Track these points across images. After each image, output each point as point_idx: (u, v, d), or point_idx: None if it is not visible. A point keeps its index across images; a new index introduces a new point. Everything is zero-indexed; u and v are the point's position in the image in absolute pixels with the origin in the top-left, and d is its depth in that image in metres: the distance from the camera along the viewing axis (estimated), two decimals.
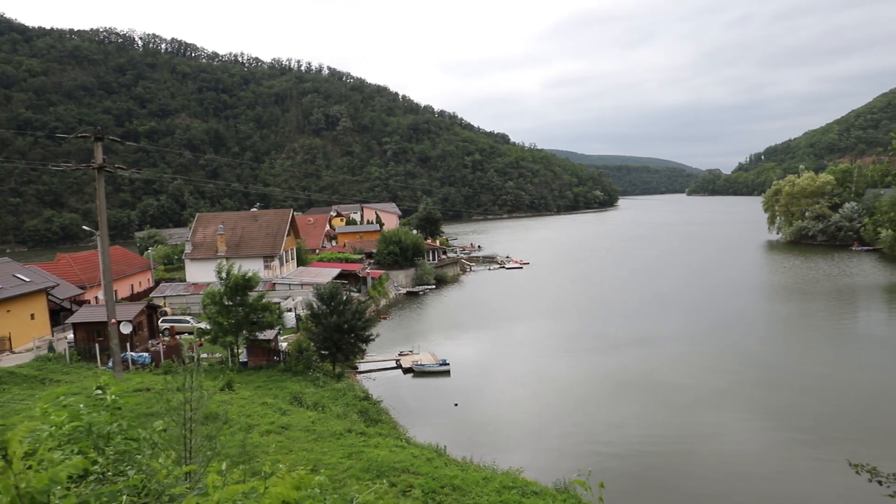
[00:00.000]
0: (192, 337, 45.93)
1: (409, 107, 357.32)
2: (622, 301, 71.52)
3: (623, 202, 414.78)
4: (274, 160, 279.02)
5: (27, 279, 45.88)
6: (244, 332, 38.41)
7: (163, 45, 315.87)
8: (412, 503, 17.65)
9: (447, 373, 44.65)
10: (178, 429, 4.90)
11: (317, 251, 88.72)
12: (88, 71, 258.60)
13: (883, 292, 73.49)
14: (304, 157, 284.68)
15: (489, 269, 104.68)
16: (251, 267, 48.75)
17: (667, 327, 57.26)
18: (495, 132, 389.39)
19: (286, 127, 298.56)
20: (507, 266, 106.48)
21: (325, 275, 63.76)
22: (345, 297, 41.31)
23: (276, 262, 64.79)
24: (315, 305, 40.77)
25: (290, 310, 53.31)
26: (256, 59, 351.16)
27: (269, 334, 39.76)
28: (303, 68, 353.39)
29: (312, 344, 40.50)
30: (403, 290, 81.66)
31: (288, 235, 68.05)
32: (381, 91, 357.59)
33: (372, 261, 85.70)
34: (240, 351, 39.61)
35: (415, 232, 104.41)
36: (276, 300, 52.20)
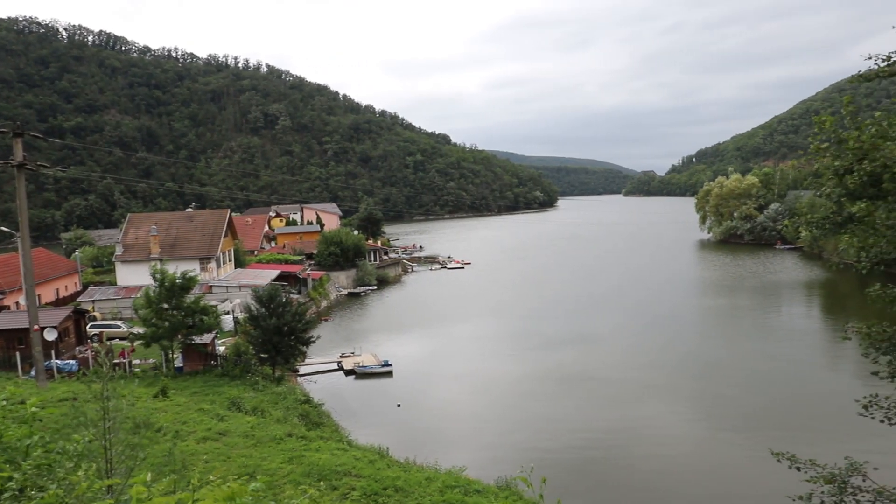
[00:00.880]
0: (123, 342, 44.17)
1: (350, 106, 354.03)
2: (563, 300, 72.93)
3: (562, 203, 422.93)
4: (210, 159, 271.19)
5: None
6: (180, 336, 37.20)
7: (89, 38, 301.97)
8: None
9: (389, 374, 44.48)
10: (97, 441, 4.65)
11: (255, 252, 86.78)
12: (6, 62, 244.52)
13: (802, 288, 77.64)
14: (241, 156, 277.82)
15: (431, 270, 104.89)
16: (187, 269, 47.29)
17: (605, 325, 58.74)
18: (437, 133, 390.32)
19: (223, 125, 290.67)
20: (448, 266, 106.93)
21: (264, 276, 62.47)
22: (284, 299, 40.59)
23: (212, 264, 63.02)
24: (254, 308, 39.89)
25: (227, 312, 51.96)
26: (191, 54, 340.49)
27: (205, 338, 38.64)
28: (240, 65, 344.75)
29: (251, 347, 39.61)
30: (345, 292, 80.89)
31: (225, 236, 66.31)
32: (322, 90, 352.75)
33: (312, 262, 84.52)
34: (175, 356, 38.33)
35: (356, 232, 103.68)
36: (213, 303, 50.83)
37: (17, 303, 52.16)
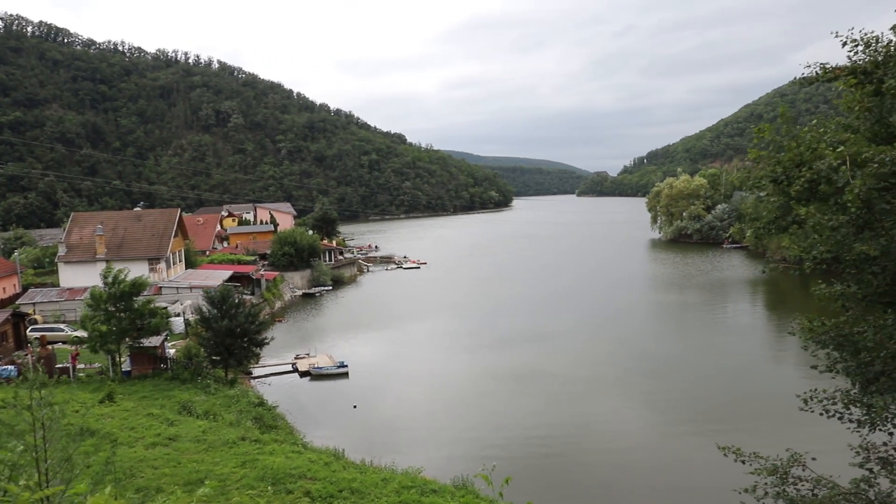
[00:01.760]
0: (67, 346, 42.61)
1: (305, 105, 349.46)
2: (518, 298, 73.63)
3: (517, 202, 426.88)
4: (160, 157, 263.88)
5: None
6: (127, 339, 36.09)
7: (29, 28, 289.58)
8: None
9: (345, 374, 44.13)
10: (29, 451, 4.43)
11: (207, 253, 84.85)
12: None
13: (748, 285, 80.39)
14: (192, 154, 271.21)
15: (387, 270, 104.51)
16: (135, 270, 45.94)
17: (561, 322, 59.57)
18: (392, 132, 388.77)
19: (173, 122, 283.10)
20: (404, 266, 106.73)
21: (216, 277, 61.17)
22: (237, 300, 39.84)
23: (162, 265, 61.36)
24: (205, 309, 39.02)
25: (178, 314, 50.68)
26: (139, 48, 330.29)
27: (154, 341, 37.59)
28: (191, 61, 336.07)
29: (203, 350, 38.74)
30: (299, 292, 79.87)
31: (175, 236, 64.63)
32: (275, 88, 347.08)
33: (266, 262, 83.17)
34: (122, 360, 37.18)
35: (311, 232, 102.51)
36: (162, 304, 49.51)
37: None
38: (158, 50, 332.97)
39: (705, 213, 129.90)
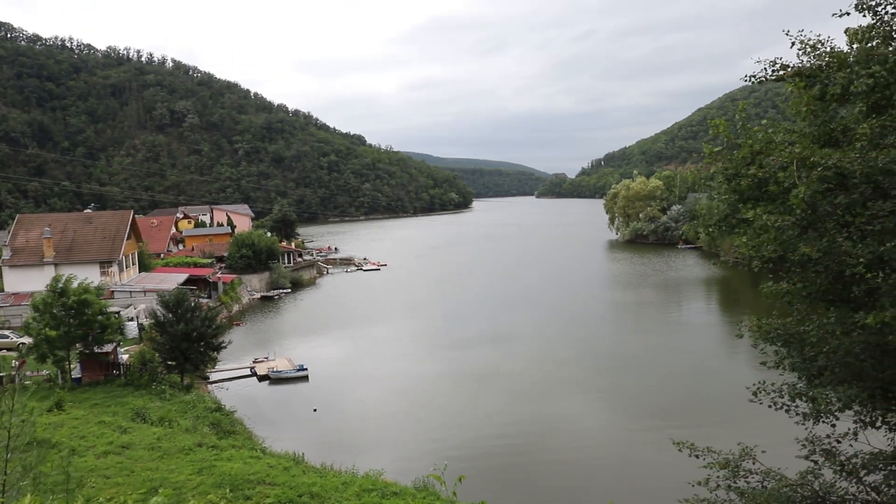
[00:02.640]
0: (11, 354, 41.04)
1: (262, 105, 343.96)
2: (478, 299, 73.99)
3: (477, 204, 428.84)
4: (111, 157, 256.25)
5: None
6: (78, 345, 34.96)
7: None
8: None
9: (305, 378, 43.64)
10: None
11: (162, 256, 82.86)
12: None
13: (702, 284, 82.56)
14: (146, 154, 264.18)
15: (347, 272, 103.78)
16: (86, 273, 44.57)
17: (520, 323, 60.06)
18: (352, 133, 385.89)
19: (125, 122, 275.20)
20: (364, 268, 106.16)
21: (171, 280, 59.78)
22: (193, 304, 39.02)
23: (114, 268, 59.66)
24: (160, 313, 38.09)
25: (131, 319, 49.39)
26: (88, 45, 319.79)
27: (107, 347, 36.52)
28: (143, 59, 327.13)
29: (157, 355, 37.81)
30: (258, 295, 78.66)
31: (128, 239, 62.93)
32: (232, 87, 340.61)
33: (223, 265, 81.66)
34: (73, 366, 36.00)
35: (269, 234, 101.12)
36: (115, 309, 48.12)
37: None
38: (109, 47, 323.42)
39: (661, 215, 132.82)
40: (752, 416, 12.23)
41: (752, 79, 11.14)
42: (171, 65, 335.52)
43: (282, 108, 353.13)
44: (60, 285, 34.30)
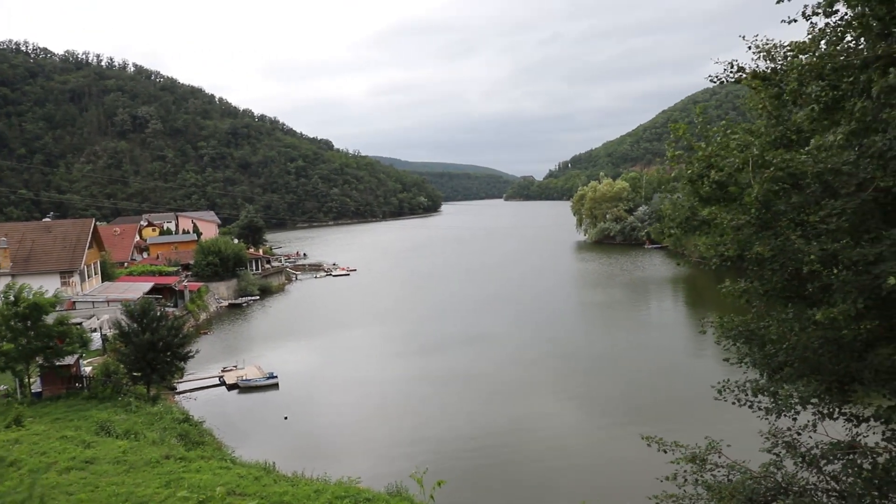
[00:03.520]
0: None
1: (228, 110, 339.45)
2: (449, 303, 74.08)
3: (446, 207, 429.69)
4: (71, 164, 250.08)
5: None
6: (37, 358, 34.00)
7: None
8: None
9: (275, 386, 43.18)
10: None
11: (126, 264, 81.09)
12: None
13: (668, 283, 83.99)
14: (108, 161, 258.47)
15: (316, 277, 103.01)
16: (46, 284, 43.36)
17: (490, 325, 60.30)
18: (319, 138, 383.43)
19: (85, 128, 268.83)
20: (333, 273, 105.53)
21: (136, 290, 58.57)
22: (159, 313, 38.28)
23: (76, 278, 58.18)
24: (124, 323, 37.29)
25: (94, 330, 48.21)
26: (45, 49, 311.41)
27: (68, 359, 35.60)
28: (103, 63, 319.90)
29: (122, 366, 36.97)
30: (225, 303, 77.55)
31: (90, 248, 61.45)
32: (196, 92, 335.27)
33: (190, 273, 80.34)
34: (32, 380, 35.00)
35: (236, 241, 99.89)
36: (77, 320, 46.93)
37: None
38: (67, 51, 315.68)
39: (627, 215, 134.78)
40: (719, 410, 12.55)
41: (715, 79, 11.45)
42: (132, 69, 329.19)
43: (248, 113, 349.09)
44: (13, 295, 33.31)
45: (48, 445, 24.15)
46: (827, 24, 10.37)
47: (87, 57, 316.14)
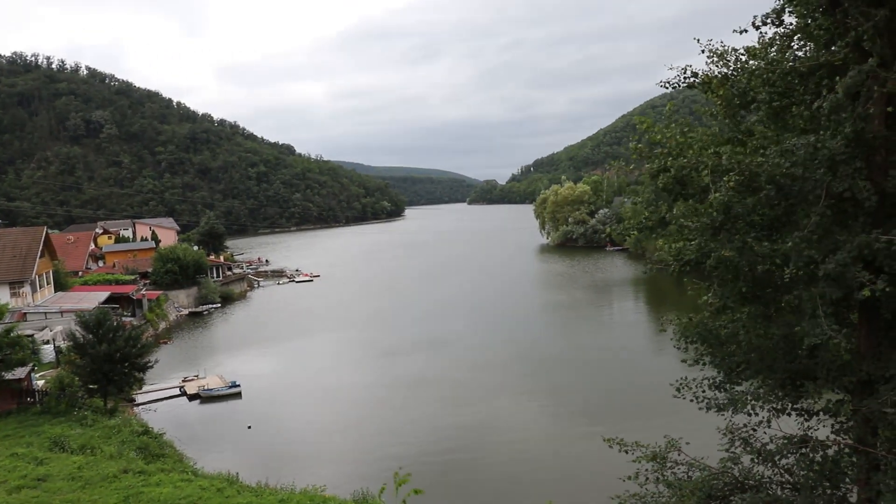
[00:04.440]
0: None
1: (186, 114, 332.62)
2: (414, 307, 73.97)
3: (410, 212, 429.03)
4: (21, 171, 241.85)
5: None
6: None
7: None
8: None
9: (238, 395, 42.48)
10: None
11: (80, 274, 78.77)
12: None
13: (630, 284, 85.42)
14: (60, 167, 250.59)
15: (279, 284, 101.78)
16: None
17: (454, 328, 60.43)
18: (280, 143, 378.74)
19: (35, 133, 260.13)
20: (297, 280, 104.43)
21: (91, 299, 56.98)
22: (116, 323, 37.30)
23: (26, 289, 56.27)
24: (79, 335, 36.22)
25: (47, 342, 46.75)
26: None
27: (19, 373, 34.38)
28: (54, 66, 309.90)
29: (77, 378, 35.88)
30: (185, 311, 75.99)
31: (42, 257, 59.51)
32: (153, 96, 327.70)
33: (148, 281, 78.49)
34: None
35: (196, 248, 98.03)
36: (28, 332, 45.43)
37: None
38: (14, 53, 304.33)
39: (589, 218, 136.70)
40: (679, 408, 12.80)
41: (668, 84, 11.75)
42: (85, 72, 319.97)
43: (207, 118, 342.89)
44: None
45: None
46: (776, 33, 10.76)
47: (36, 59, 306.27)
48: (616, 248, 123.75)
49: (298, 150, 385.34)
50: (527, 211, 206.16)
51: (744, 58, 11.12)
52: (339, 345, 57.37)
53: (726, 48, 11.22)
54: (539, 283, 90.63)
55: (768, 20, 10.46)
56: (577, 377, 43.38)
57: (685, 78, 11.57)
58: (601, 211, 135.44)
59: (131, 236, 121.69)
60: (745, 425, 11.55)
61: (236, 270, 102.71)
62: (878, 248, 8.39)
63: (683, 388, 11.79)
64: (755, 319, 10.93)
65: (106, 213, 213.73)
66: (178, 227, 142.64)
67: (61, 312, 53.33)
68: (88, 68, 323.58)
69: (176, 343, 61.12)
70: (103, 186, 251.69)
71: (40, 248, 58.98)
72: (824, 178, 8.90)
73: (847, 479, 10.31)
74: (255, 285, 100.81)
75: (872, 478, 9.52)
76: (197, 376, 45.82)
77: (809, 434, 10.81)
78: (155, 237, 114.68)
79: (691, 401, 11.66)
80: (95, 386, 35.50)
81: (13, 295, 54.67)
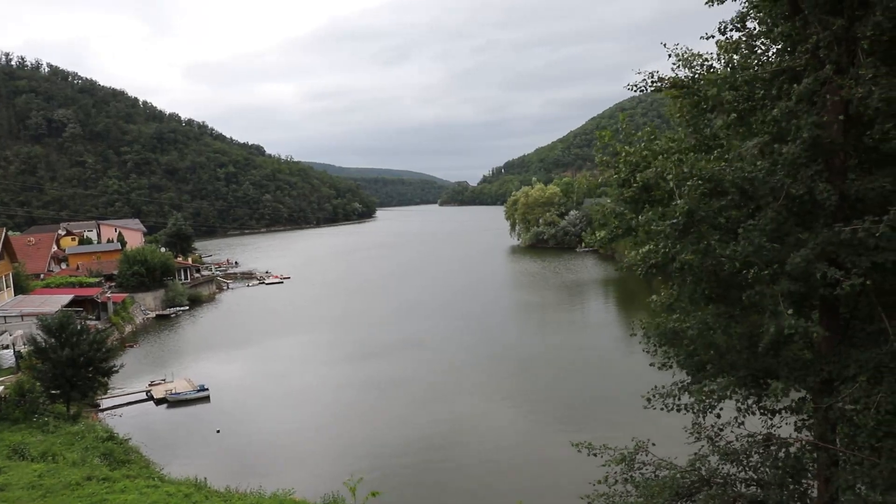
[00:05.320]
0: None
1: (153, 114, 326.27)
2: (386, 308, 73.69)
3: (381, 213, 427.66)
4: None
5: None
6: None
7: None
8: None
9: (206, 398, 41.89)
10: None
11: (42, 276, 76.76)
12: None
13: (600, 285, 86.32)
14: (20, 167, 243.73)
15: (248, 286, 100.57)
16: None
17: (425, 330, 60.36)
18: (250, 143, 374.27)
19: None
20: (267, 282, 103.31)
21: (54, 303, 55.56)
22: (79, 327, 36.45)
23: None
24: (40, 339, 35.31)
25: (6, 347, 45.42)
26: None
27: None
28: (13, 63, 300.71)
29: (39, 384, 34.94)
30: (152, 314, 74.61)
31: (1, 259, 57.85)
32: (118, 95, 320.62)
33: (114, 283, 76.86)
34: None
35: (163, 250, 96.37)
36: None
37: None
38: None
39: (559, 220, 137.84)
40: (648, 410, 12.90)
41: (634, 87, 11.92)
42: (46, 70, 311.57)
43: (174, 118, 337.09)
44: None
45: None
46: (740, 38, 10.99)
47: None
48: (587, 248, 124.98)
49: (269, 150, 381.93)
50: (498, 212, 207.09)
51: (709, 62, 11.34)
52: (310, 347, 56.88)
53: (692, 53, 11.42)
54: (510, 284, 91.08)
55: (732, 27, 10.69)
56: (548, 379, 43.66)
57: (652, 82, 11.75)
58: (571, 212, 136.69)
59: (96, 238, 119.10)
60: (712, 425, 11.75)
61: (205, 272, 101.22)
62: (842, 241, 8.54)
63: (654, 397, 11.94)
64: (719, 319, 11.13)
65: (69, 214, 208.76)
66: (144, 229, 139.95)
67: (22, 316, 51.90)
68: (50, 66, 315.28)
69: (143, 347, 59.99)
70: (66, 187, 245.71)
71: None
72: (785, 181, 9.11)
73: (809, 475, 10.57)
74: (225, 287, 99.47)
75: (832, 473, 9.77)
76: (164, 380, 45.04)
77: (773, 432, 11.05)
78: (121, 239, 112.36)
79: (661, 409, 11.80)
80: (58, 391, 34.66)
81: None
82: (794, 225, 9.52)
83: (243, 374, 48.66)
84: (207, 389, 42.53)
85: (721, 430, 11.64)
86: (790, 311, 8.76)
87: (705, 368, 11.26)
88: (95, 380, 36.04)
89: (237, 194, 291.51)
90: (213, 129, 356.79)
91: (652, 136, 11.88)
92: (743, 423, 11.47)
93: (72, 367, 34.02)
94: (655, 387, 12.06)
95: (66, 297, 59.06)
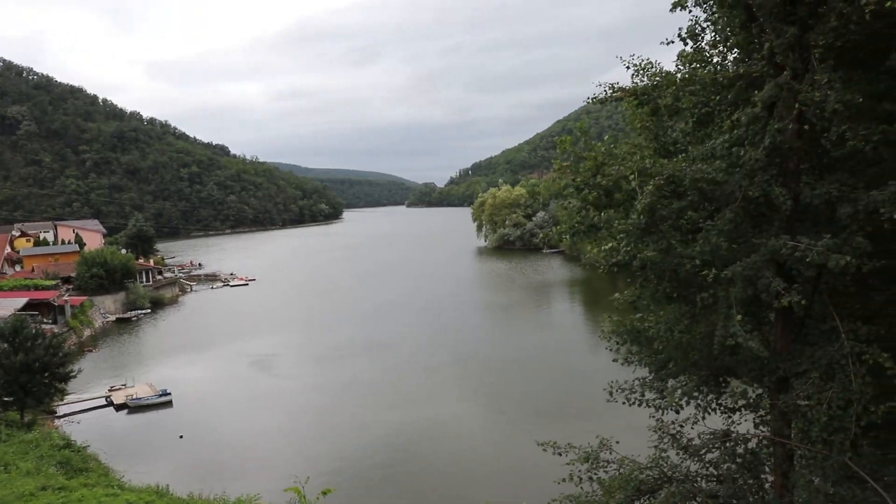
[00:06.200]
0: None
1: (113, 112, 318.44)
2: (353, 310, 73.28)
3: (348, 214, 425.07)
4: None
5: None
6: None
7: None
8: None
9: (169, 403, 41.12)
10: None
11: None
12: None
13: (566, 285, 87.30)
14: None
15: (213, 288, 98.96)
16: None
17: (392, 331, 60.22)
18: (214, 143, 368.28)
19: None
20: (231, 283, 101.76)
21: (6, 306, 53.91)
22: (34, 331, 35.43)
23: None
24: None
25: None
26: None
27: None
28: None
29: None
30: (112, 317, 72.86)
31: None
32: (76, 92, 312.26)
33: (71, 286, 74.79)
34: None
35: (124, 251, 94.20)
36: None
37: None
38: None
39: (526, 221, 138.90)
40: (612, 408, 13.08)
41: (594, 100, 12.16)
42: None
43: (135, 116, 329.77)
44: None
45: None
46: (697, 45, 11.26)
47: None
48: (553, 250, 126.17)
49: (234, 151, 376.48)
50: (465, 214, 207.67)
51: (668, 68, 11.59)
52: (276, 349, 56.21)
53: (648, 62, 11.66)
54: (477, 285, 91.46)
55: (689, 35, 10.94)
56: (515, 379, 43.96)
57: (612, 93, 11.97)
58: (538, 214, 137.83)
59: (53, 239, 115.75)
60: (673, 423, 11.99)
61: (167, 275, 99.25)
62: (784, 253, 8.85)
63: (616, 391, 12.13)
64: (680, 318, 11.36)
65: (24, 214, 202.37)
66: (104, 230, 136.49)
67: None
68: (3, 60, 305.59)
69: (102, 351, 58.53)
70: (21, 186, 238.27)
71: None
72: (742, 184, 9.36)
73: (766, 469, 10.87)
74: (188, 290, 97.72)
75: (788, 467, 10.07)
76: (125, 385, 44.04)
77: (732, 429, 11.34)
78: (79, 240, 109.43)
79: (623, 403, 12.00)
80: (11, 398, 33.62)
81: None
82: (751, 227, 9.78)
83: (207, 378, 47.85)
84: (170, 394, 41.74)
85: (682, 426, 11.88)
86: (739, 318, 9.01)
87: (667, 366, 11.48)
88: (52, 386, 35.08)
89: (201, 195, 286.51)
90: (176, 129, 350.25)
91: (612, 145, 12.09)
92: (703, 419, 11.73)
93: (26, 372, 33.05)
94: (616, 381, 12.26)
95: (21, 301, 57.44)
